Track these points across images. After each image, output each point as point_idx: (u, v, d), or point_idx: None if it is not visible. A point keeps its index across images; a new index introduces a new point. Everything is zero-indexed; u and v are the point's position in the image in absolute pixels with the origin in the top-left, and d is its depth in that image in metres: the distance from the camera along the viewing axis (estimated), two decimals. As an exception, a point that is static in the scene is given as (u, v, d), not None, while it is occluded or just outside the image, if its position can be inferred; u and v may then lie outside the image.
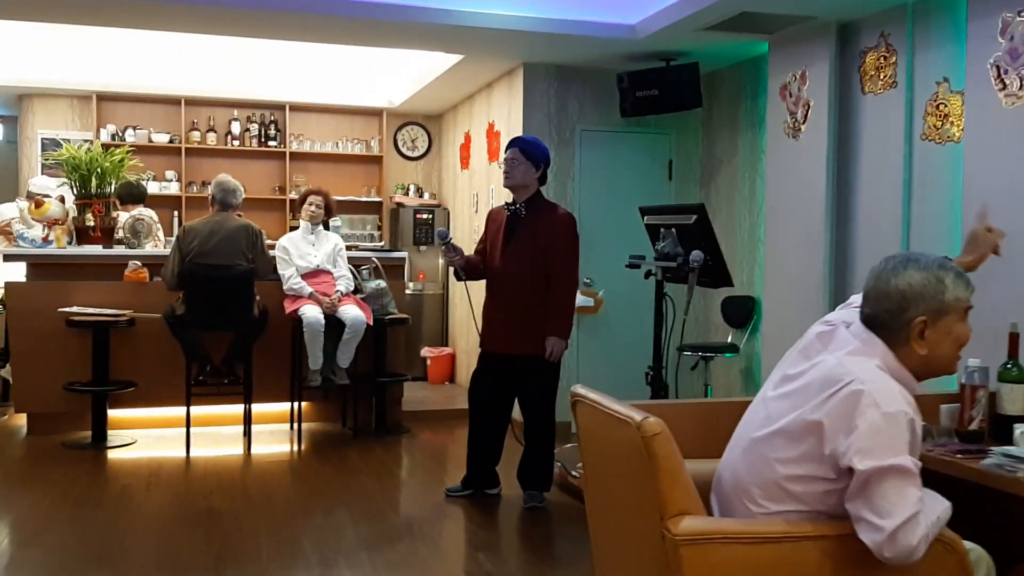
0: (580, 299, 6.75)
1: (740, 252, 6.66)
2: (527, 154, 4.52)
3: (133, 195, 7.37)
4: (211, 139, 8.81)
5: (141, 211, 7.09)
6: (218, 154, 8.88)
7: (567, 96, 6.89)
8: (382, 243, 9.04)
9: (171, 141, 8.70)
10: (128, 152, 6.76)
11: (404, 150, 9.52)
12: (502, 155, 4.66)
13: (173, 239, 6.35)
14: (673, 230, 4.22)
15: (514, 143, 4.59)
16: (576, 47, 6.32)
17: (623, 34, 5.98)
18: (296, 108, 9.03)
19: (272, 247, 6.49)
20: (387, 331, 6.75)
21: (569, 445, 5.74)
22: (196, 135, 8.77)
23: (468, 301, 4.78)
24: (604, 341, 7.02)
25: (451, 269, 4.57)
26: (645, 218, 4.49)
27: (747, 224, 6.62)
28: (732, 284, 4.14)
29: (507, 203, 4.59)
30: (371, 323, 6.39)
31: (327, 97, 8.95)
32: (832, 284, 5.52)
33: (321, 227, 6.67)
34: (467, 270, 4.58)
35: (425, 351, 8.69)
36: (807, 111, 5.64)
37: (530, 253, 4.50)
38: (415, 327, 8.68)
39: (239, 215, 6.45)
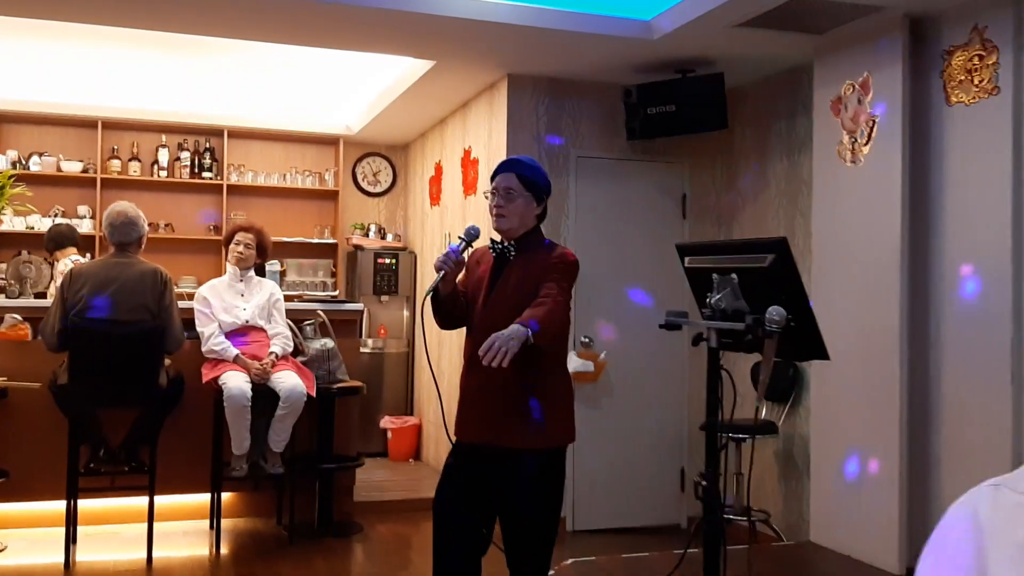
0: (577, 363, 5.43)
1: (774, 306, 5.39)
2: (527, 182, 3.20)
3: (57, 241, 6.02)
4: (134, 169, 7.46)
5: (77, 259, 5.76)
6: (142, 187, 7.53)
7: (560, 115, 5.64)
8: (336, 292, 7.69)
9: (85, 171, 7.34)
10: (9, 179, 5.37)
11: (364, 184, 8.22)
12: (483, 187, 3.36)
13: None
14: (734, 276, 2.93)
15: (508, 167, 3.25)
16: (573, 52, 5.09)
17: (634, 32, 4.75)
18: (236, 134, 7.72)
19: (187, 297, 5.13)
20: (335, 404, 5.38)
21: (570, 562, 4.38)
22: (116, 164, 7.42)
23: (428, 365, 3.37)
24: (607, 417, 5.69)
25: (436, 280, 3.15)
26: (686, 260, 3.21)
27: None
28: (827, 356, 2.85)
29: (493, 242, 3.28)
30: (313, 394, 5.04)
31: (273, 121, 7.65)
32: (908, 349, 4.26)
33: (252, 272, 5.33)
34: (450, 297, 3.22)
35: (385, 422, 7.30)
36: (871, 129, 4.42)
37: (519, 302, 3.17)
38: (374, 392, 7.32)
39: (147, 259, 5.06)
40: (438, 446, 6.86)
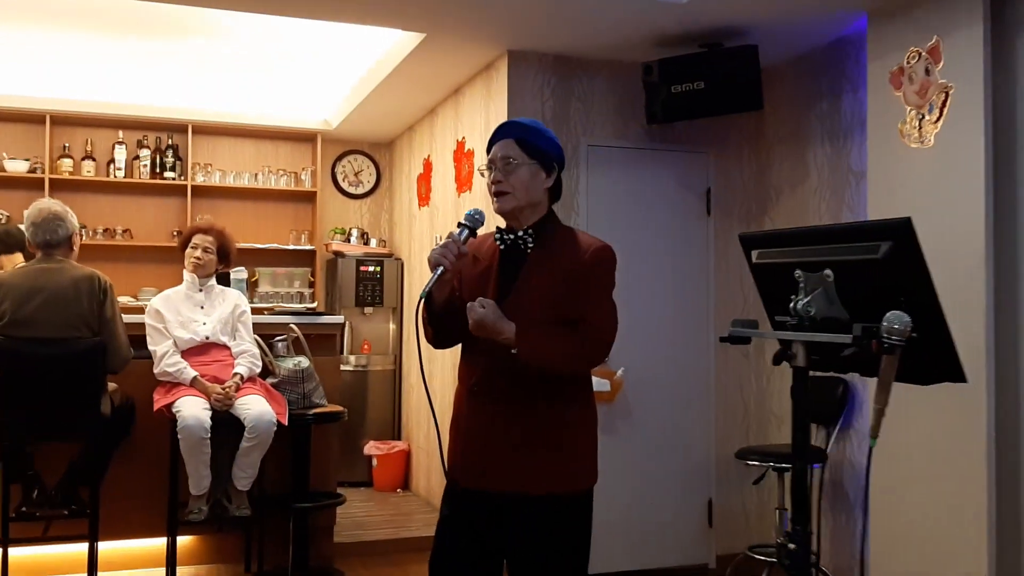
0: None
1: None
2: (531, 148, 2.48)
3: (6, 243, 5.23)
4: (87, 169, 6.69)
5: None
6: (97, 188, 6.78)
7: (569, 98, 4.93)
8: (314, 304, 6.94)
9: (32, 171, 6.56)
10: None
11: (345, 185, 7.48)
12: (480, 181, 2.64)
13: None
14: (829, 274, 2.22)
15: (505, 131, 2.52)
16: (585, 21, 4.38)
17: (659, -7, 4.04)
18: (202, 129, 6.97)
19: (132, 310, 4.38)
20: (310, 432, 4.63)
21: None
22: (67, 163, 6.65)
23: (424, 385, 2.60)
24: (624, 442, 4.96)
25: (432, 279, 2.41)
26: (754, 254, 2.49)
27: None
28: (963, 377, 2.14)
29: (499, 230, 2.56)
30: (284, 422, 4.29)
31: (243, 115, 6.92)
32: (996, 368, 3.56)
33: (213, 281, 4.59)
34: (448, 303, 2.50)
35: (370, 447, 6.55)
36: (944, 103, 3.73)
37: (542, 310, 2.44)
38: (356, 415, 6.58)
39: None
40: (429, 475, 6.11)
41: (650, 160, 5.04)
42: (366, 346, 6.88)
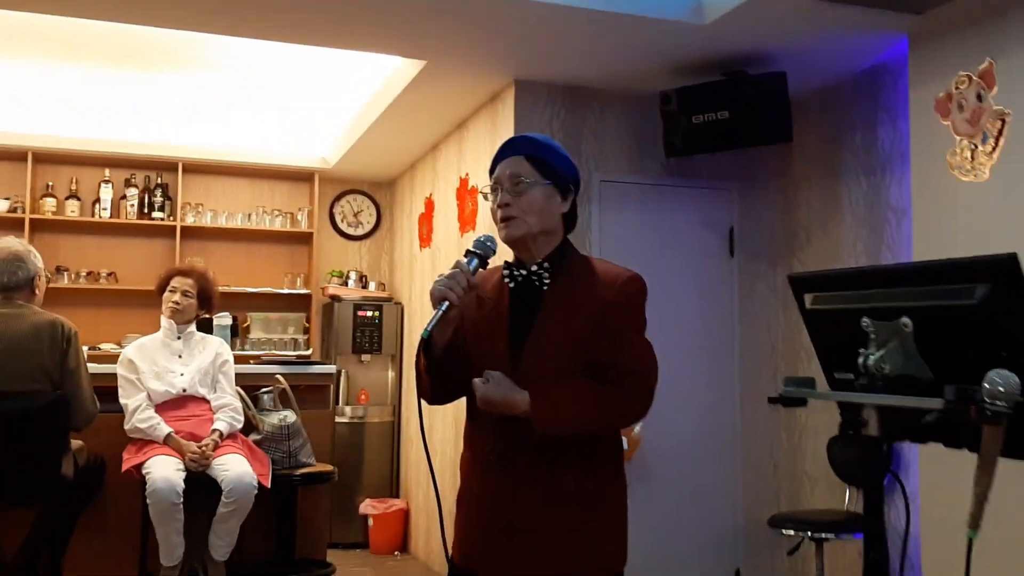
0: (605, 440, 4.27)
1: (854, 365, 4.27)
2: (545, 167, 2.08)
3: None
4: (71, 208, 6.35)
5: None
6: (81, 229, 6.42)
7: (580, 130, 4.58)
8: (309, 352, 6.54)
9: (12, 210, 6.21)
10: None
11: (344, 226, 7.12)
12: (485, 220, 2.25)
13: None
14: (906, 323, 1.82)
15: (515, 147, 2.12)
16: (598, 46, 4.05)
17: (680, 14, 3.70)
18: (193, 168, 6.62)
19: (110, 357, 4.00)
20: (297, 495, 4.21)
21: None
22: (49, 203, 6.31)
23: (422, 437, 2.14)
24: (644, 507, 4.51)
25: (436, 316, 1.99)
26: (808, 299, 2.09)
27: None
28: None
29: (507, 264, 2.16)
30: (267, 484, 3.87)
31: (237, 153, 6.57)
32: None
33: (193, 328, 4.20)
34: (451, 348, 2.09)
35: (366, 506, 6.10)
36: (1000, 130, 3.35)
37: (567, 359, 2.05)
38: (351, 471, 6.15)
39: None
40: (429, 537, 5.65)
41: (668, 197, 4.67)
42: (363, 396, 6.46)
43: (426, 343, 1.98)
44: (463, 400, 2.15)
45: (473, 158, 5.12)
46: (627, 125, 4.62)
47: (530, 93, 4.50)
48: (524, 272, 2.08)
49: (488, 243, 2.04)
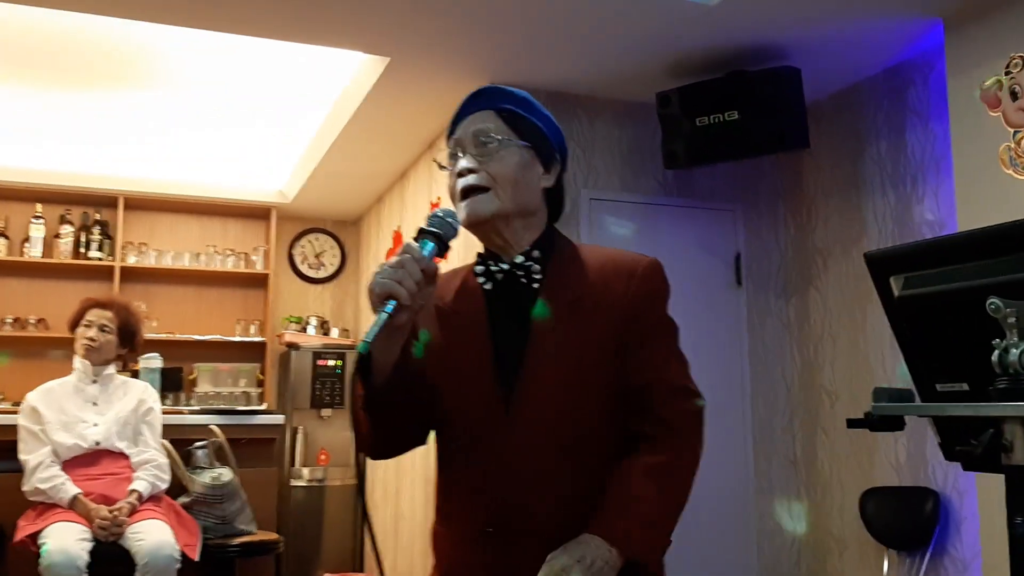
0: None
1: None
2: (522, 124, 1.53)
3: None
4: (-2, 247, 5.70)
5: None
6: (8, 270, 5.77)
7: (567, 141, 4.01)
8: (263, 406, 5.85)
9: (-69, 249, 5.56)
10: None
11: (304, 268, 6.50)
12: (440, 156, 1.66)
13: None
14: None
15: (482, 100, 1.56)
16: (587, 43, 3.53)
17: (683, -5, 3.19)
18: (135, 203, 6.01)
19: (5, 412, 3.37)
20: (234, 569, 3.52)
21: None
22: (-26, 241, 5.66)
23: (360, 492, 1.50)
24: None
25: (377, 323, 1.27)
26: (896, 282, 1.50)
27: (899, 361, 3.65)
28: None
29: (480, 258, 1.56)
30: (195, 556, 3.20)
31: (185, 186, 5.97)
32: None
33: (111, 369, 3.56)
34: (395, 381, 1.39)
35: (325, 582, 5.36)
36: (1067, 116, 2.83)
37: (579, 387, 1.46)
38: (309, 542, 5.43)
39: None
40: (397, 616, 4.93)
41: (665, 217, 4.11)
42: (323, 456, 5.76)
43: (364, 361, 1.34)
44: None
45: (445, 180, 4.55)
46: (619, 136, 4.08)
47: (508, 100, 3.95)
48: (505, 267, 1.49)
49: (449, 219, 1.41)
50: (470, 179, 1.48)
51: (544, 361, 1.44)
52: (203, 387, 5.89)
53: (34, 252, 5.73)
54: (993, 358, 1.29)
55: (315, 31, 3.53)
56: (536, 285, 1.49)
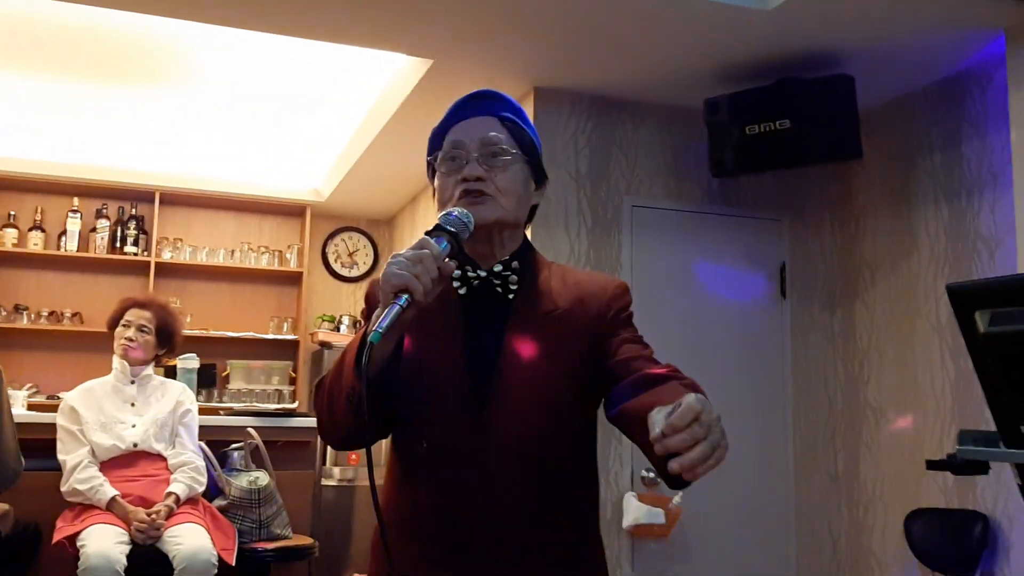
0: (640, 511, 3.60)
1: (936, 432, 3.59)
2: (523, 138, 1.49)
3: None
4: (35, 241, 5.72)
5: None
6: (44, 263, 5.79)
7: (608, 147, 3.96)
8: (295, 404, 5.84)
9: (-32, 242, 5.59)
10: None
11: (337, 267, 6.48)
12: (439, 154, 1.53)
13: None
14: None
15: (487, 104, 1.52)
16: (632, 51, 3.46)
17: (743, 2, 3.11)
18: (172, 198, 6.01)
19: (39, 406, 3.37)
20: (270, 572, 3.50)
21: None
22: (11, 234, 5.69)
23: (372, 489, 1.38)
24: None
25: (389, 316, 1.19)
26: (982, 318, 1.43)
27: (949, 379, 3.56)
28: None
29: (459, 265, 1.50)
30: (231, 561, 3.18)
31: (221, 183, 5.96)
32: None
33: (150, 370, 3.54)
34: (381, 376, 1.32)
35: (354, 582, 5.34)
36: None
37: (556, 388, 1.42)
38: (339, 542, 5.39)
39: None
40: (426, 621, 4.89)
41: (710, 227, 4.04)
42: (354, 456, 5.74)
43: (368, 351, 1.22)
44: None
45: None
46: (663, 143, 4.01)
47: (552, 103, 3.90)
48: (483, 274, 1.44)
49: (465, 220, 1.37)
50: (477, 186, 1.43)
51: (517, 372, 1.40)
52: (236, 384, 5.89)
53: (70, 246, 5.76)
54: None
55: (361, 33, 3.49)
56: (512, 296, 1.45)
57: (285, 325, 6.15)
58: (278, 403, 5.79)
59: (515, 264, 1.46)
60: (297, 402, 5.91)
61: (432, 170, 1.52)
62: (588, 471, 1.48)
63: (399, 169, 5.25)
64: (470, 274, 1.45)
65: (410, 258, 1.26)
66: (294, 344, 6.10)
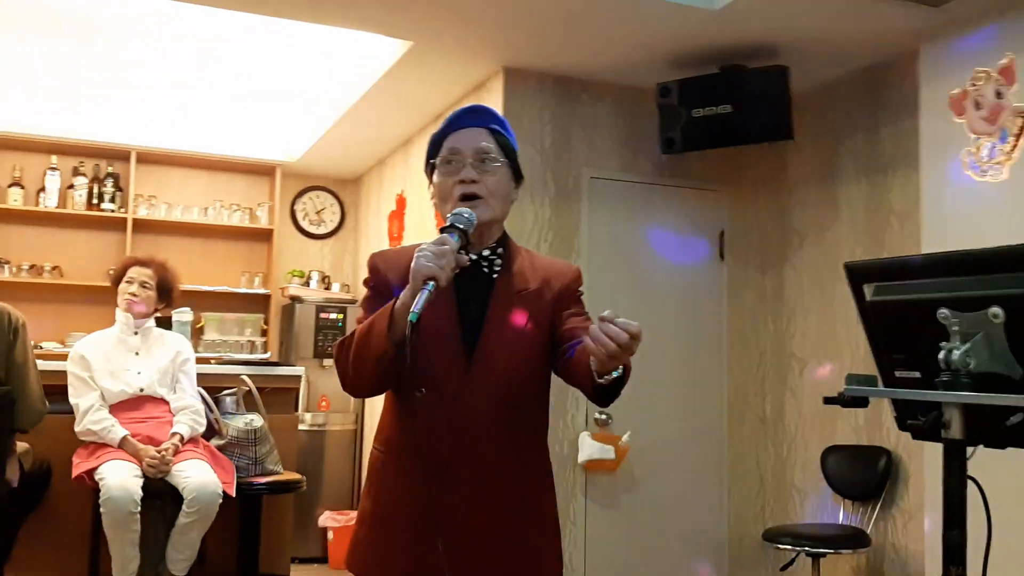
0: (593, 448, 4.08)
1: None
2: (507, 146, 1.90)
3: None
4: (14, 197, 5.94)
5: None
6: (24, 219, 6.02)
7: (571, 123, 4.37)
8: (267, 355, 6.21)
9: (-51, 198, 5.80)
10: None
11: (306, 224, 6.81)
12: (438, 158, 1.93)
13: None
14: (998, 314, 1.64)
15: (478, 117, 1.90)
16: (594, 36, 3.85)
17: None
18: (147, 158, 6.27)
19: (58, 357, 3.68)
20: (262, 504, 3.91)
21: None
22: (-9, 190, 5.90)
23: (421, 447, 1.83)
24: (628, 519, 4.31)
25: (423, 298, 1.61)
26: (869, 289, 1.89)
27: (861, 334, 4.07)
28: None
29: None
30: (232, 492, 3.57)
31: (194, 143, 6.22)
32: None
33: (151, 323, 3.89)
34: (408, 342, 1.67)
35: (325, 519, 5.78)
36: (1021, 128, 3.23)
37: (530, 352, 1.86)
38: (311, 482, 5.80)
39: None
40: (394, 551, 5.35)
41: (659, 197, 4.48)
42: (324, 403, 6.15)
43: (412, 329, 1.60)
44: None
45: (453, 152, 4.87)
46: (619, 120, 4.43)
47: (520, 83, 4.28)
48: (473, 257, 1.83)
49: (472, 219, 1.75)
50: (472, 188, 1.82)
51: (499, 334, 1.81)
52: (210, 335, 6.23)
53: (49, 202, 5.99)
54: (940, 356, 1.69)
55: (342, 16, 3.79)
56: (495, 276, 1.86)
57: (256, 280, 6.47)
58: (251, 353, 6.16)
59: (500, 250, 1.87)
60: (269, 352, 6.28)
61: (431, 169, 1.91)
62: (544, 412, 1.90)
63: (371, 134, 5.58)
64: (460, 256, 1.82)
65: (435, 252, 1.65)
66: (265, 298, 6.43)
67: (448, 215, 1.78)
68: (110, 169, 6.16)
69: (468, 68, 4.27)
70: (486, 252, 1.86)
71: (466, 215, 1.76)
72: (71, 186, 6.06)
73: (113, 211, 6.11)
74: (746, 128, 3.87)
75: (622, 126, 4.42)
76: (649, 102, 4.20)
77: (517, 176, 1.92)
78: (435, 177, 1.89)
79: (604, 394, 1.72)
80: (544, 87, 4.31)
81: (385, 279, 1.88)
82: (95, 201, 6.09)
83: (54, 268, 5.99)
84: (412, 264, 1.67)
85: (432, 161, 1.91)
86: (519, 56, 4.15)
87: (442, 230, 1.75)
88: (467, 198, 1.81)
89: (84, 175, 6.10)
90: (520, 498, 1.84)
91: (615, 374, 1.65)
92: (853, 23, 3.65)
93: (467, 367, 1.79)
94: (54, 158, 6.03)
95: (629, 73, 4.26)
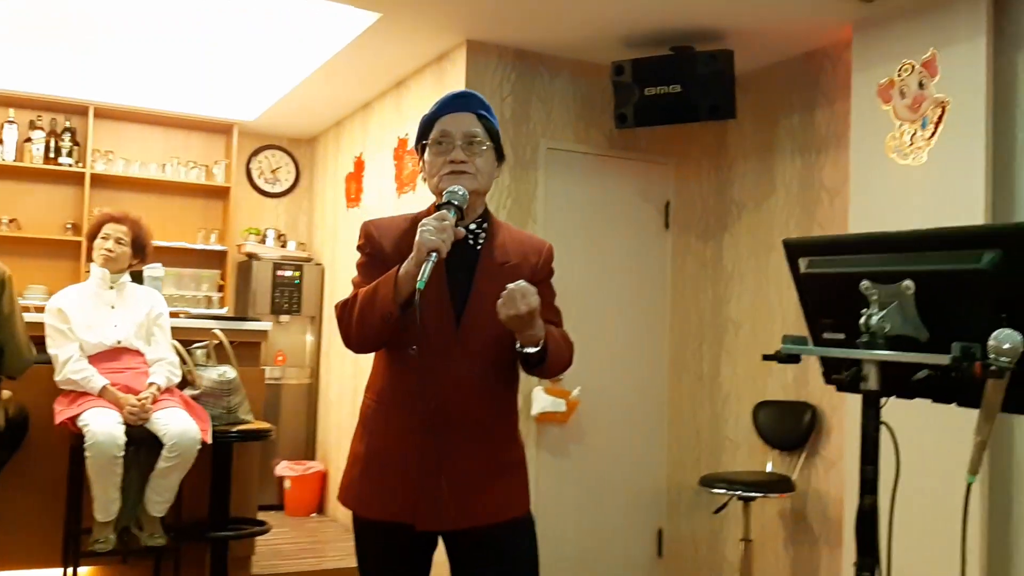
0: (545, 401, 4.39)
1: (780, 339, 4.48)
2: (492, 130, 2.14)
3: None
4: (-30, 150, 5.96)
5: None
6: (-20, 172, 6.04)
7: (529, 96, 4.61)
8: (224, 310, 6.37)
9: (-97, 149, 5.79)
10: None
11: (261, 183, 6.94)
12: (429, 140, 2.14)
13: None
14: (909, 286, 1.96)
15: (467, 103, 2.14)
16: (554, 13, 4.09)
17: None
18: (105, 113, 6.32)
19: (33, 309, 3.83)
20: (232, 452, 4.14)
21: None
22: (-54, 142, 5.91)
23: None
24: (576, 467, 4.65)
25: (426, 269, 1.89)
26: (803, 263, 2.21)
27: (793, 300, 4.44)
28: (1078, 411, 1.91)
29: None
30: (208, 439, 3.79)
31: (151, 100, 6.29)
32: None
33: (126, 277, 4.05)
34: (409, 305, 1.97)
35: (282, 468, 6.02)
36: (940, 117, 3.58)
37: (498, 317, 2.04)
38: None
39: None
40: (350, 499, 5.62)
41: (611, 168, 4.77)
42: (280, 357, 6.35)
43: (419, 296, 1.87)
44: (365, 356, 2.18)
45: (414, 119, 5.07)
46: (575, 94, 4.68)
47: (482, 55, 4.50)
48: (465, 230, 2.05)
49: (464, 196, 2.01)
50: (462, 167, 2.06)
51: (483, 300, 2.04)
52: (167, 290, 6.32)
53: (7, 156, 6.02)
54: (861, 321, 2.01)
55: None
56: (479, 248, 2.10)
57: (212, 236, 6.60)
58: (208, 308, 6.31)
59: (485, 224, 2.11)
60: (226, 307, 6.44)
61: (422, 149, 2.15)
62: (516, 369, 2.15)
63: (330, 97, 5.73)
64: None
65: (437, 227, 1.90)
66: (222, 254, 6.57)
67: (444, 192, 2.04)
68: (68, 124, 6.21)
69: (433, 39, 4.47)
70: (472, 226, 2.09)
71: (460, 193, 2.01)
72: (28, 139, 6.09)
73: (71, 165, 6.17)
74: (694, 107, 4.17)
75: (578, 101, 4.68)
76: (604, 79, 4.46)
77: (500, 156, 2.17)
78: (426, 156, 2.13)
79: (526, 362, 2.05)
80: (504, 60, 4.54)
81: (380, 245, 2.13)
82: (52, 155, 6.14)
83: (11, 221, 6.05)
84: (416, 238, 1.91)
85: (424, 142, 2.15)
86: (482, 30, 4.36)
87: (439, 207, 2.01)
88: (458, 174, 2.05)
89: (42, 129, 6.13)
90: (498, 440, 2.12)
91: (530, 350, 1.99)
92: (793, 11, 3.95)
93: (455, 329, 2.04)
94: (11, 111, 6.06)
95: (586, 51, 4.51)
